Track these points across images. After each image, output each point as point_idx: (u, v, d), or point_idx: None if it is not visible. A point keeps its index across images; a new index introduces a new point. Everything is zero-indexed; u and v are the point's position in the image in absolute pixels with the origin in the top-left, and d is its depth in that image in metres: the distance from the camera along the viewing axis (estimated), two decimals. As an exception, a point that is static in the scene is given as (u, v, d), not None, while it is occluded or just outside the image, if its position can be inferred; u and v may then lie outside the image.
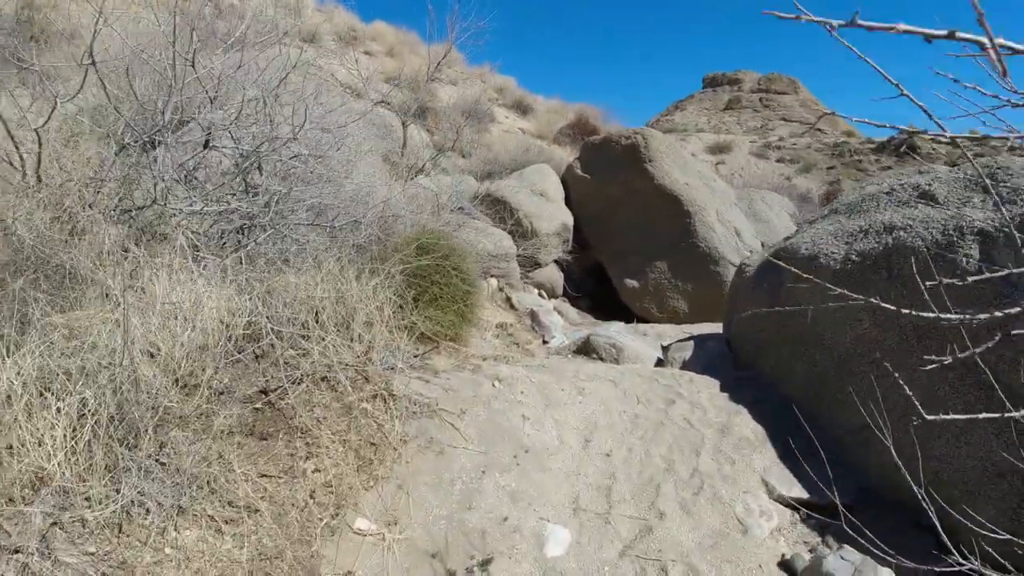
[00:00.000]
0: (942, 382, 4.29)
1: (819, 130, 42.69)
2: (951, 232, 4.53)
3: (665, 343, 8.66)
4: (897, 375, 3.02)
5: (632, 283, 10.34)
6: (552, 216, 10.28)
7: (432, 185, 8.91)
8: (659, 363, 6.48)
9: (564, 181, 11.15)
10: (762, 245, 11.04)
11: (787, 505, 4.39)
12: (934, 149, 37.89)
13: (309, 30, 15.17)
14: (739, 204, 11.43)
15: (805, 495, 4.45)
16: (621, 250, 10.54)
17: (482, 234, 9.08)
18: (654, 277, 10.18)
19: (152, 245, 4.15)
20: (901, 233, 4.83)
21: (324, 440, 3.41)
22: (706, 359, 6.17)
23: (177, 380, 3.34)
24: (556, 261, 10.70)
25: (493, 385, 4.63)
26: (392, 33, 18.55)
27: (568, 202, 10.99)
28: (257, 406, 3.58)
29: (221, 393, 3.55)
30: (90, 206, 4.20)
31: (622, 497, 4.14)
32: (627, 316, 10.43)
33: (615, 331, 7.68)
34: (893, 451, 3.04)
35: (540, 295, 10.48)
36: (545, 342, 7.78)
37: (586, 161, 10.89)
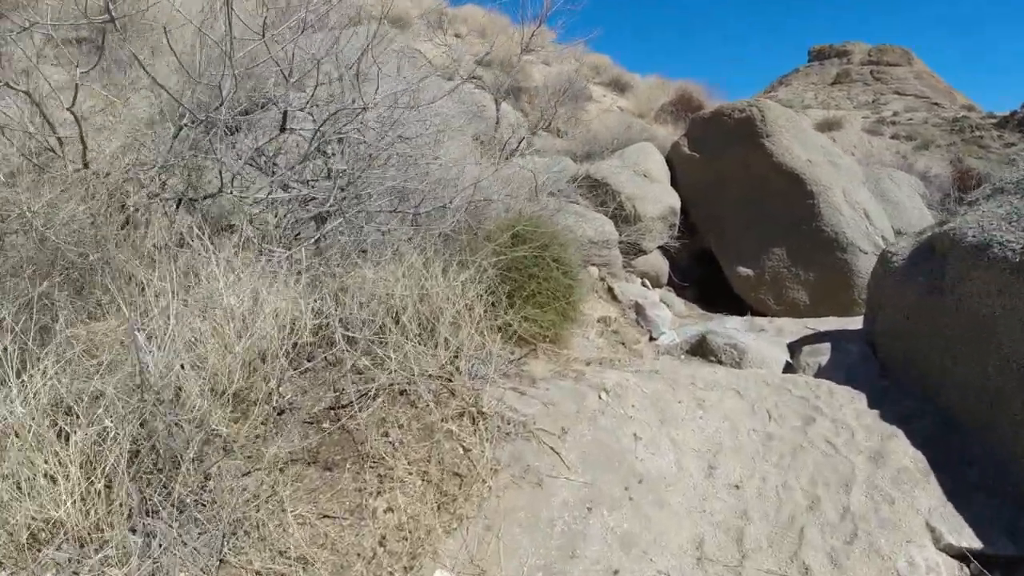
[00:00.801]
0: None
1: (936, 104, 39.26)
2: None
3: (787, 340, 7.67)
4: None
5: (745, 271, 9.31)
6: (657, 198, 9.38)
7: (528, 166, 8.20)
8: (787, 368, 5.54)
9: (669, 161, 10.19)
10: (895, 231, 9.76)
11: (956, 556, 3.47)
12: (1066, 123, 34.22)
13: (396, 14, 14.70)
14: (866, 184, 10.15)
15: (979, 544, 3.51)
16: (733, 235, 9.52)
17: (582, 219, 8.30)
18: (771, 265, 9.12)
19: (215, 239, 3.63)
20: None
21: (399, 471, 2.77)
22: (846, 365, 5.19)
23: (229, 397, 2.76)
24: (661, 247, 9.79)
25: (599, 397, 3.88)
26: (482, 15, 17.89)
27: (674, 183, 10.03)
28: (324, 426, 2.99)
29: (282, 412, 2.97)
30: (150, 195, 3.72)
31: (757, 544, 3.32)
32: (739, 308, 9.42)
33: (732, 328, 6.77)
34: None
35: (644, 284, 9.61)
36: (653, 339, 6.95)
37: (694, 138, 9.89)
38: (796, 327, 8.18)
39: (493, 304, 3.92)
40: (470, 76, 7.78)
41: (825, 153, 9.36)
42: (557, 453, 3.31)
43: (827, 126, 32.91)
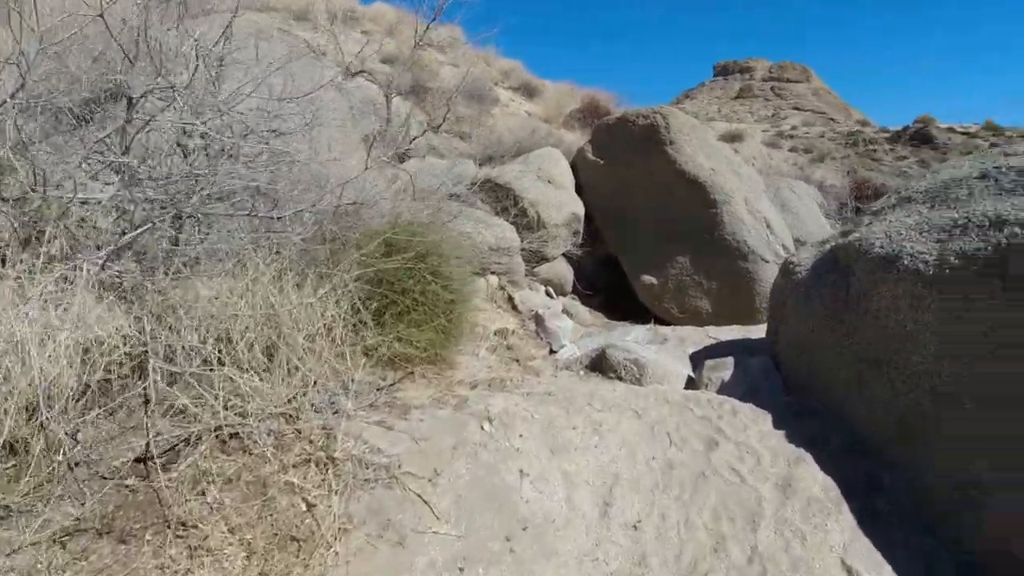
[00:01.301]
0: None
1: (832, 119, 41.08)
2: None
3: (690, 350, 7.42)
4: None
5: (649, 279, 9.07)
6: (561, 204, 9.01)
7: (423, 168, 7.67)
8: (689, 383, 5.22)
9: (574, 166, 9.86)
10: (796, 241, 9.75)
11: (873, 593, 3.19)
12: (950, 139, 36.46)
13: (301, 8, 13.90)
14: (766, 194, 10.12)
15: (898, 582, 3.24)
16: (637, 243, 9.26)
17: (481, 225, 7.83)
18: (674, 273, 8.91)
19: (20, 249, 2.94)
20: (1016, 229, 3.56)
21: (215, 540, 2.21)
22: (748, 381, 4.91)
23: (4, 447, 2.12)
24: (565, 255, 9.43)
25: (482, 427, 3.40)
26: (392, 13, 17.24)
27: (579, 190, 9.70)
28: (128, 483, 2.38)
29: (75, 465, 2.35)
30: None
31: (656, 597, 2.93)
32: (644, 316, 9.17)
33: (634, 341, 6.44)
34: None
35: (547, 293, 9.23)
36: (552, 352, 6.54)
37: (599, 144, 9.59)
38: (698, 336, 7.97)
39: (360, 323, 3.38)
40: (360, 71, 7.18)
41: (728, 163, 9.25)
42: (426, 502, 2.80)
43: (730, 138, 33.73)
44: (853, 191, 12.91)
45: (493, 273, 7.64)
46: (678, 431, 4.08)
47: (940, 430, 3.61)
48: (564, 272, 9.30)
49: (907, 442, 3.79)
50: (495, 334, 6.21)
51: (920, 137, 36.73)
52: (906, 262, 3.98)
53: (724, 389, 4.91)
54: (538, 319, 6.86)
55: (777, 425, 4.26)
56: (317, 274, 3.20)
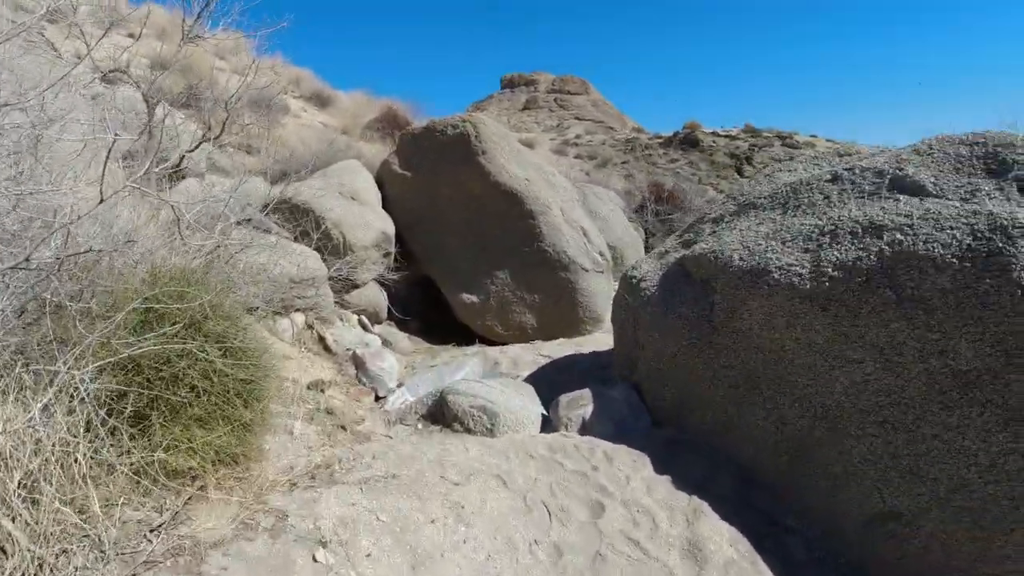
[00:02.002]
0: (1010, 452, 2.77)
1: (611, 128, 43.44)
2: (987, 233, 2.99)
3: (523, 373, 6.80)
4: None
5: (470, 298, 8.36)
6: (368, 224, 8.02)
7: (194, 192, 6.33)
8: (545, 424, 4.54)
9: (379, 181, 8.90)
10: (609, 246, 9.55)
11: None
12: (715, 142, 40.03)
13: (59, 6, 11.51)
14: (578, 202, 9.84)
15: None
16: (454, 261, 8.51)
17: (279, 253, 6.64)
18: (495, 289, 8.28)
19: None
20: (898, 235, 3.25)
21: None
22: (613, 416, 4.31)
23: None
24: (377, 279, 8.45)
25: (315, 558, 2.42)
26: (163, 14, 15.05)
27: (386, 206, 8.76)
28: None
29: None
30: None
31: None
32: (466, 336, 8.46)
33: (471, 377, 5.66)
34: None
35: (361, 323, 8.19)
36: (379, 398, 5.57)
37: (405, 156, 8.70)
38: (530, 355, 7.38)
39: (112, 432, 2.26)
40: (113, 70, 5.70)
41: (540, 171, 8.80)
42: None
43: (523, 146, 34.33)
44: (651, 194, 13.15)
45: (298, 310, 6.49)
46: (555, 498, 3.35)
47: (842, 458, 3.20)
48: (377, 298, 8.32)
49: (804, 474, 3.36)
50: (309, 388, 5.14)
51: (688, 141, 39.92)
52: (776, 275, 3.57)
53: (587, 428, 4.27)
54: (357, 361, 5.86)
55: (659, 468, 3.69)
56: (33, 373, 2.04)
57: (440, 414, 4.54)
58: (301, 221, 7.59)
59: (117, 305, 2.43)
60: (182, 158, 5.41)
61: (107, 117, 5.53)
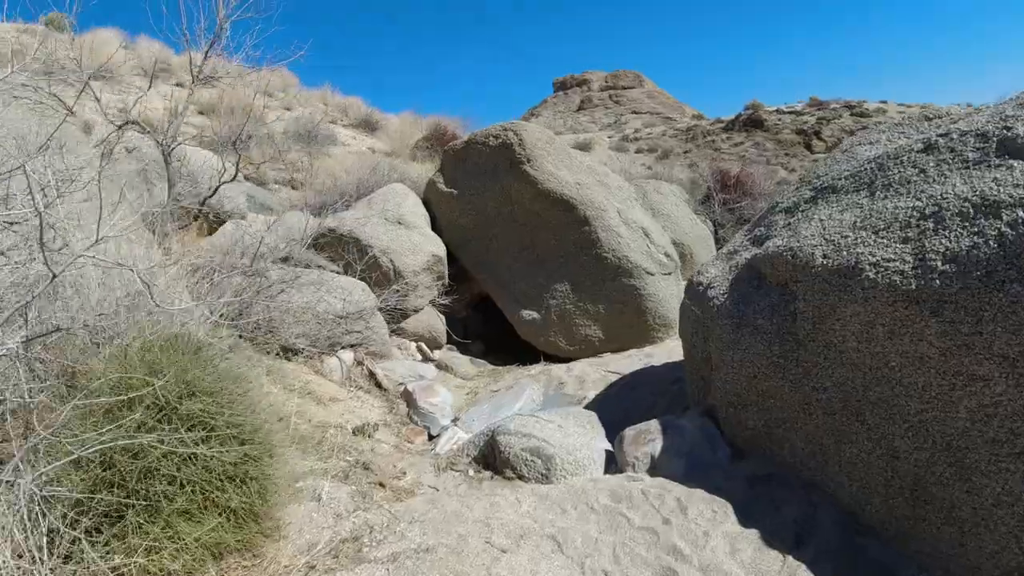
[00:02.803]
0: None
1: (669, 118, 42.16)
2: None
3: (590, 393, 6.19)
4: None
5: (530, 315, 7.82)
6: (416, 248, 7.60)
7: (229, 233, 6.04)
8: (610, 462, 3.94)
9: (427, 202, 8.49)
10: (674, 244, 8.83)
11: None
12: (780, 120, 38.21)
13: (102, 62, 11.74)
14: (637, 200, 9.16)
15: None
16: (509, 277, 7.99)
17: (322, 289, 6.29)
18: (555, 303, 7.70)
19: None
20: (1020, 213, 2.51)
21: None
22: (686, 452, 3.67)
23: None
24: (433, 303, 8.03)
25: None
26: (222, 63, 15.27)
27: (436, 226, 8.34)
28: None
29: None
30: None
31: None
32: (531, 354, 7.91)
33: (527, 407, 5.11)
34: None
35: (420, 350, 7.78)
36: (432, 437, 5.10)
37: (450, 173, 8.26)
38: (596, 372, 6.77)
39: (75, 543, 1.83)
40: (127, 123, 5.46)
41: (592, 173, 8.18)
42: None
43: (580, 148, 33.63)
44: (717, 182, 12.25)
45: (347, 347, 6.10)
46: (619, 565, 2.75)
47: (971, 499, 2.48)
48: (434, 323, 7.88)
49: (924, 518, 2.65)
50: (355, 434, 4.70)
51: (752, 122, 38.30)
52: (871, 274, 2.86)
53: (656, 467, 3.64)
54: (408, 399, 5.40)
55: (744, 518, 3.03)
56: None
57: (491, 458, 4.01)
58: (348, 252, 7.25)
59: (91, 385, 2.02)
60: (204, 200, 5.10)
61: (120, 173, 5.30)
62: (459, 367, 7.74)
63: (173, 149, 4.91)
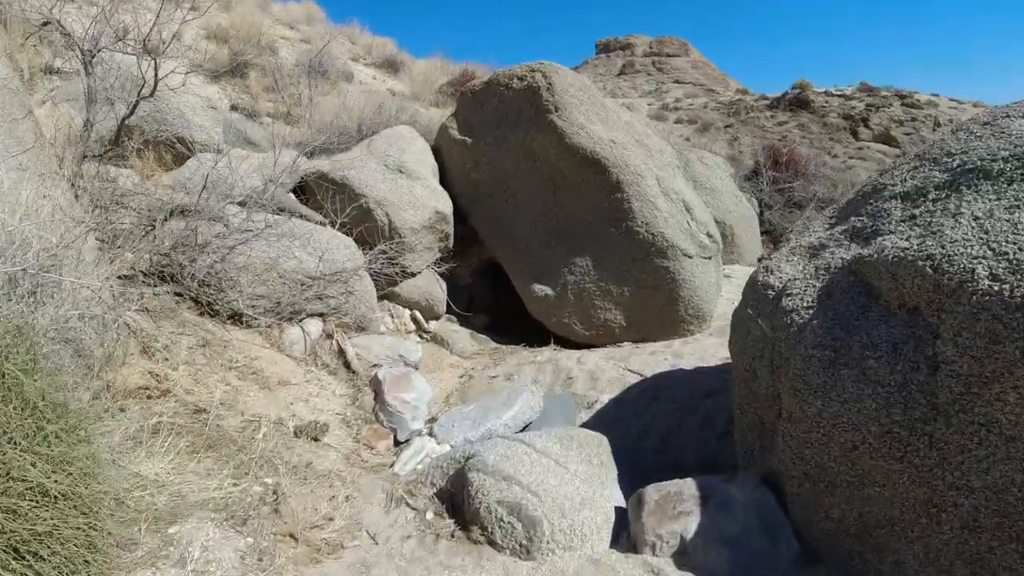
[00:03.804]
0: None
1: (713, 90, 39.89)
2: None
3: (604, 397, 5.00)
4: None
5: (543, 290, 6.58)
6: (418, 202, 6.37)
7: (192, 172, 4.86)
8: (619, 526, 2.73)
9: (436, 150, 7.21)
10: (717, 223, 7.49)
11: None
12: (827, 102, 35.92)
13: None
14: (679, 168, 7.79)
15: None
16: (523, 245, 6.73)
17: (297, 242, 5.10)
18: (574, 280, 6.45)
19: None
20: None
21: None
22: (732, 539, 2.45)
23: None
24: (433, 266, 6.82)
25: None
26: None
27: (445, 179, 7.08)
28: None
29: None
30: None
31: None
32: (540, 336, 6.70)
33: (526, 410, 3.93)
34: None
35: (414, 318, 6.61)
36: (399, 443, 3.94)
37: (465, 118, 6.95)
38: (614, 369, 5.54)
39: None
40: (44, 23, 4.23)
41: (631, 131, 6.82)
42: None
43: (618, 112, 31.83)
44: (768, 158, 10.74)
45: (316, 315, 4.93)
46: None
47: None
48: (433, 290, 6.68)
49: None
50: (296, 435, 3.57)
51: (798, 102, 36.19)
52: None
53: (688, 554, 2.44)
54: (376, 389, 4.23)
55: None
56: None
57: (459, 498, 2.83)
58: (340, 200, 6.05)
59: None
60: (122, 121, 3.87)
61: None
62: (456, 342, 6.57)
63: (94, 56, 3.64)
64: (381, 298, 6.33)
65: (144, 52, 3.45)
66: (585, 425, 4.56)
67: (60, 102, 5.73)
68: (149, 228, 4.27)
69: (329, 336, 4.84)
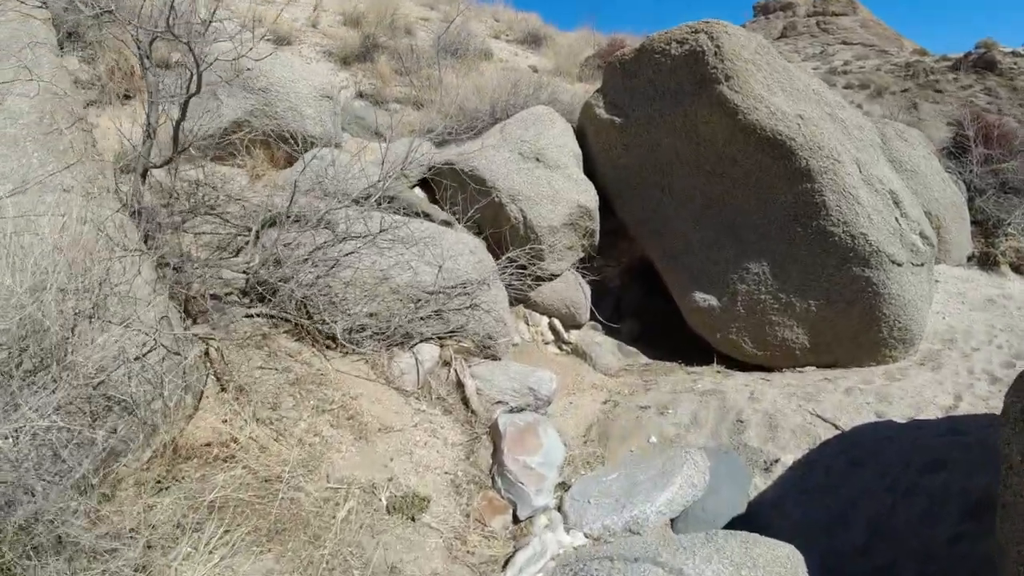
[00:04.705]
0: None
1: (885, 51, 35.17)
2: None
3: (785, 457, 3.78)
4: None
5: (705, 300, 5.34)
6: (557, 195, 5.34)
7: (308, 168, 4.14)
8: None
9: (580, 133, 6.10)
10: (927, 215, 5.84)
11: None
12: (1016, 63, 30.61)
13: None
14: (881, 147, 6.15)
15: None
16: (682, 244, 5.51)
17: (415, 249, 4.25)
18: (745, 289, 5.16)
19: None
20: None
21: None
22: None
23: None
24: (575, 267, 5.79)
25: None
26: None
27: (589, 166, 5.97)
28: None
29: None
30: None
31: None
32: (700, 352, 5.49)
33: (686, 491, 2.85)
34: None
35: (551, 328, 5.63)
36: (518, 522, 2.98)
37: (612, 95, 5.78)
38: (798, 414, 4.23)
39: None
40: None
41: (820, 102, 5.33)
42: None
43: (777, 80, 28.77)
44: (979, 133, 8.56)
45: (434, 338, 4.06)
46: None
47: None
48: (574, 295, 5.66)
49: None
50: (390, 512, 2.72)
51: (983, 63, 31.11)
52: None
53: None
54: (495, 443, 3.29)
55: None
56: None
57: None
58: (469, 194, 5.18)
59: None
60: (177, 123, 3.10)
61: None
62: (600, 356, 5.53)
63: (152, 41, 2.86)
64: (516, 303, 5.42)
65: (188, 40, 2.64)
66: (762, 502, 3.38)
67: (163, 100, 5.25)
68: (243, 241, 3.57)
69: (446, 363, 3.97)
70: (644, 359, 5.78)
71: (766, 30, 39.81)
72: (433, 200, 5.65)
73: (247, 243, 3.73)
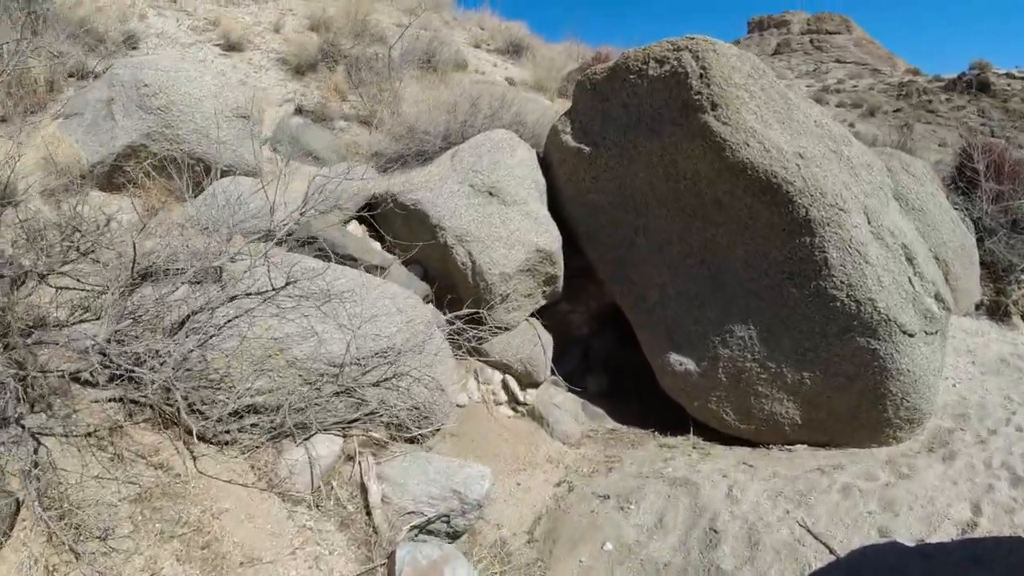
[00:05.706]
0: None
1: (878, 70, 34.42)
2: None
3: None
4: None
5: (682, 363, 4.48)
6: (513, 236, 4.47)
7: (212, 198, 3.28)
8: None
9: (545, 162, 5.21)
10: (937, 261, 5.01)
11: None
12: (1009, 85, 29.99)
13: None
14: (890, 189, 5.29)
15: None
16: (657, 295, 4.64)
17: (325, 309, 3.37)
18: (729, 354, 4.29)
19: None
20: None
21: None
22: None
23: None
24: (540, 313, 4.94)
25: None
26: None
27: (553, 200, 5.09)
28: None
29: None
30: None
31: None
32: (676, 421, 4.63)
33: None
34: None
35: (504, 386, 4.76)
36: None
37: (582, 119, 4.89)
38: (784, 524, 3.40)
39: None
40: None
41: (824, 136, 4.46)
42: None
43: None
44: (991, 165, 7.67)
45: (338, 425, 3.17)
46: None
47: None
48: (530, 350, 4.79)
49: None
50: None
51: (978, 84, 30.70)
52: None
53: None
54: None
55: None
56: None
57: None
58: (411, 231, 4.30)
59: None
60: None
61: None
62: (560, 421, 4.68)
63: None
64: (468, 354, 4.55)
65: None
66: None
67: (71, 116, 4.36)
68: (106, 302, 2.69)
69: (351, 459, 3.08)
70: (611, 423, 4.93)
71: (760, 47, 39.18)
72: (377, 236, 4.78)
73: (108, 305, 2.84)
